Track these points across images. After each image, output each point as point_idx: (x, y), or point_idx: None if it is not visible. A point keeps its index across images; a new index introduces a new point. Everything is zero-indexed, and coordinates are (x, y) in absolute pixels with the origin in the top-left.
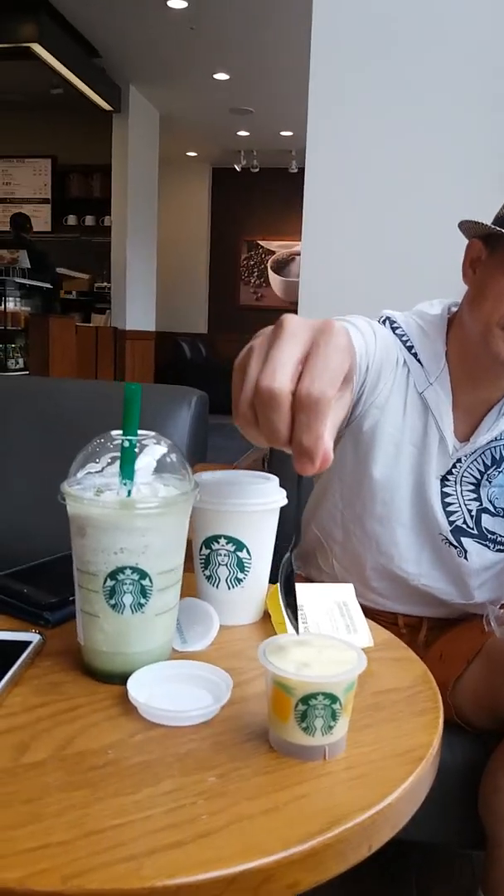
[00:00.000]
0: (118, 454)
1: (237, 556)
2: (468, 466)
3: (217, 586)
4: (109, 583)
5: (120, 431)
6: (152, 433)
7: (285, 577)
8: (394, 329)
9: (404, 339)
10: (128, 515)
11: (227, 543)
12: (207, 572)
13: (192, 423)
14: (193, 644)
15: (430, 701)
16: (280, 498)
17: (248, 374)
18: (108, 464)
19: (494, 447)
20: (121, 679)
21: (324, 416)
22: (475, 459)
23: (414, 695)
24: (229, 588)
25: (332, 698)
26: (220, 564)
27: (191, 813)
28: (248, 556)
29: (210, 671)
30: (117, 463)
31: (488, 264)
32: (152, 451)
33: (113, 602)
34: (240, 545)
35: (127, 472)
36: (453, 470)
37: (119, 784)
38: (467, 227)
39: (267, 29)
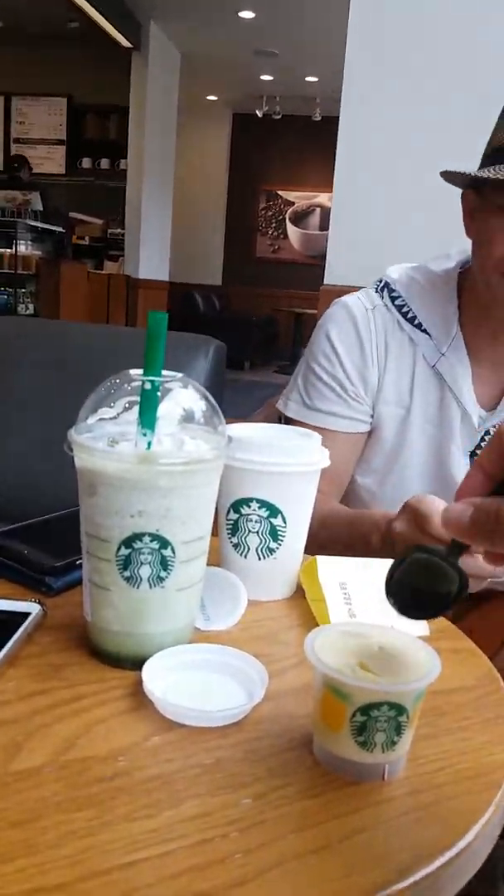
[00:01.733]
0: (137, 398)
1: (270, 522)
2: None
3: (245, 556)
4: (124, 551)
5: (140, 371)
6: (179, 374)
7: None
8: (393, 299)
9: (405, 310)
10: (148, 472)
11: (260, 508)
12: (235, 539)
13: (210, 374)
14: (218, 622)
15: (502, 706)
16: (323, 458)
17: None
18: (125, 409)
19: None
20: (133, 664)
21: None
22: None
23: (481, 697)
24: (259, 559)
25: (399, 709)
26: (250, 531)
27: (221, 849)
28: (283, 524)
29: (240, 659)
30: (135, 409)
31: (480, 210)
32: (178, 397)
33: (127, 574)
34: (274, 511)
35: (147, 420)
36: (482, 444)
37: (132, 804)
38: (451, 179)
39: None
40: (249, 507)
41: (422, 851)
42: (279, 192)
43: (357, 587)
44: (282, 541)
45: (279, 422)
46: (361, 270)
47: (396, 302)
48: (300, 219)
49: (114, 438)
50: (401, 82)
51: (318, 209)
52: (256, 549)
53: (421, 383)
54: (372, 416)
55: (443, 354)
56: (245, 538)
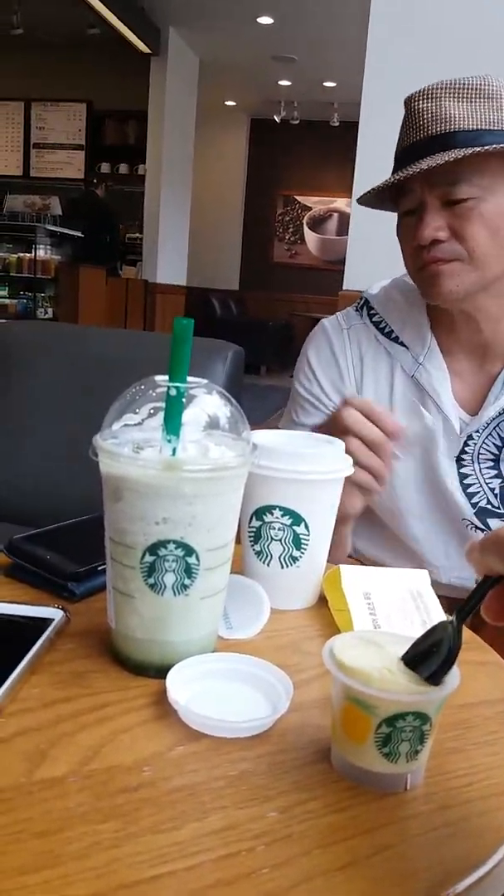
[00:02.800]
0: (161, 404)
1: (293, 531)
2: (483, 442)
3: (268, 564)
4: (148, 558)
5: (165, 377)
6: (204, 381)
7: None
8: (371, 317)
9: (381, 325)
10: (173, 479)
11: (283, 516)
12: (258, 547)
13: (228, 379)
14: (240, 630)
15: None
16: (346, 466)
17: None
18: (150, 415)
19: None
20: (157, 672)
21: None
22: (490, 433)
23: None
24: (282, 567)
25: (424, 718)
26: (272, 539)
27: (248, 864)
28: (307, 532)
29: (264, 669)
30: (160, 415)
31: (398, 222)
32: (202, 403)
33: (152, 581)
34: (297, 518)
35: (172, 426)
36: (467, 448)
37: (157, 816)
38: (366, 201)
39: None
40: (272, 514)
41: (451, 868)
42: (297, 197)
43: (381, 597)
44: (305, 549)
45: None
46: (380, 276)
47: (374, 318)
48: (318, 224)
49: (139, 444)
50: (422, 85)
51: (335, 214)
52: (279, 558)
53: (401, 394)
54: None
55: (420, 364)
56: (268, 546)
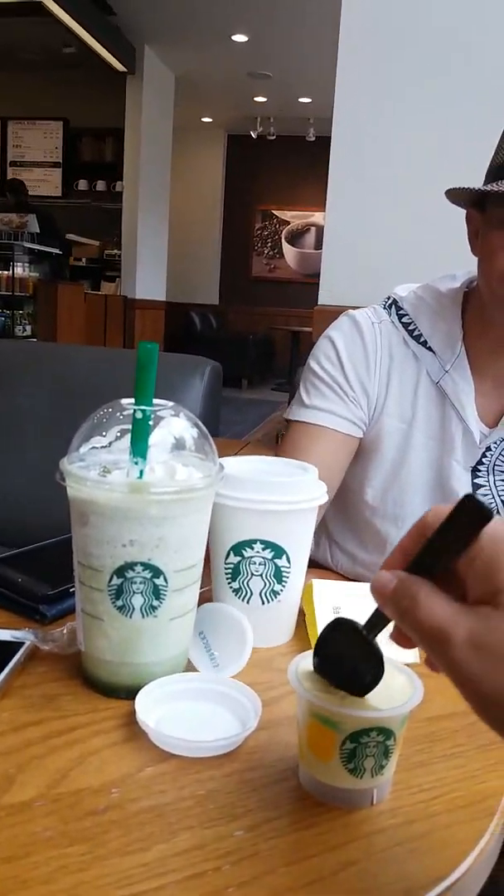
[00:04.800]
0: (128, 427)
1: (275, 564)
2: (501, 453)
3: (248, 601)
4: (116, 580)
5: (132, 400)
6: (170, 403)
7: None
8: (400, 317)
9: (411, 327)
10: (140, 501)
11: (265, 549)
12: (235, 584)
13: (205, 395)
14: (228, 667)
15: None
16: (322, 494)
17: None
18: (117, 438)
19: None
20: (128, 693)
21: None
22: None
23: (475, 723)
24: (264, 603)
25: (388, 734)
26: (253, 575)
27: (215, 884)
28: (288, 564)
29: (233, 687)
30: (127, 437)
31: (484, 227)
32: (170, 425)
33: (120, 603)
34: (279, 551)
35: (139, 448)
36: (483, 459)
37: (124, 838)
38: (454, 199)
39: None
40: (252, 548)
41: (415, 884)
42: (274, 212)
43: (351, 610)
44: (286, 582)
45: (276, 440)
46: (355, 290)
47: (403, 319)
48: (296, 238)
49: (106, 467)
50: (392, 102)
51: (313, 228)
52: (260, 593)
53: (424, 399)
54: (367, 426)
55: (447, 371)
56: (247, 583)
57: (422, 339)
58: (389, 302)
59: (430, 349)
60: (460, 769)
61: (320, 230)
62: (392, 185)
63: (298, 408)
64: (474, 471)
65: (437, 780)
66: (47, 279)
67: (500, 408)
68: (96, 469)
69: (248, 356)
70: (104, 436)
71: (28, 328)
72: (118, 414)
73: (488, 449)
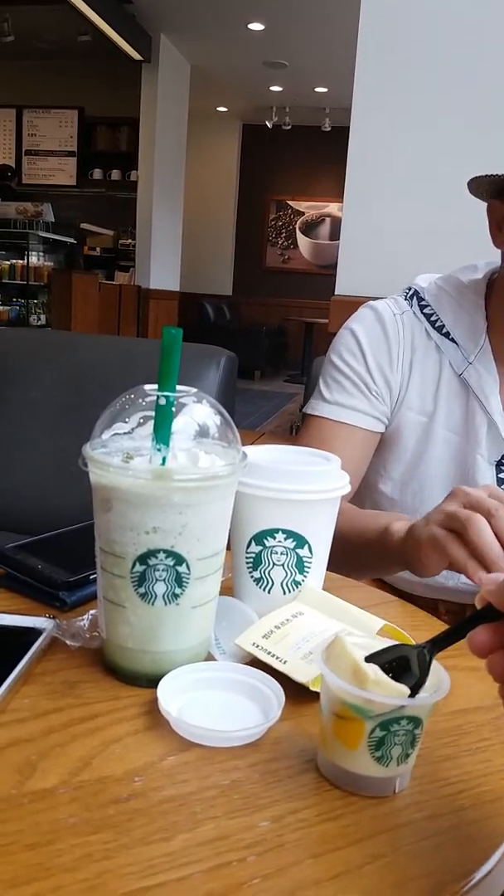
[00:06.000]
0: (151, 413)
1: (297, 554)
2: None
3: (269, 591)
4: (139, 568)
5: (154, 386)
6: (193, 390)
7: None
8: (422, 308)
9: (433, 318)
10: (163, 488)
11: (287, 539)
12: (257, 574)
13: (221, 384)
14: (233, 656)
15: None
16: (345, 484)
17: None
18: (140, 424)
19: None
20: (149, 681)
21: None
22: None
23: (500, 717)
24: (285, 593)
25: (416, 722)
26: (274, 564)
27: (239, 875)
28: (310, 555)
29: (256, 677)
30: (150, 424)
31: (502, 217)
32: (192, 412)
33: (142, 591)
34: (301, 541)
35: (162, 435)
36: None
37: (148, 826)
38: (478, 186)
39: None
40: (275, 538)
41: (442, 878)
42: (289, 203)
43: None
44: (307, 572)
45: (290, 431)
46: (373, 280)
47: (425, 310)
48: (310, 229)
49: (128, 453)
50: (411, 92)
51: (328, 219)
52: (282, 583)
53: (446, 392)
54: (389, 419)
55: (470, 363)
56: (268, 572)
57: (444, 331)
58: (411, 293)
59: (452, 340)
60: (487, 763)
61: (335, 221)
62: (410, 176)
63: (319, 402)
64: (499, 465)
65: (463, 773)
66: (62, 268)
67: None
68: (119, 455)
69: (262, 347)
70: (126, 422)
71: (42, 317)
72: (140, 400)
73: None
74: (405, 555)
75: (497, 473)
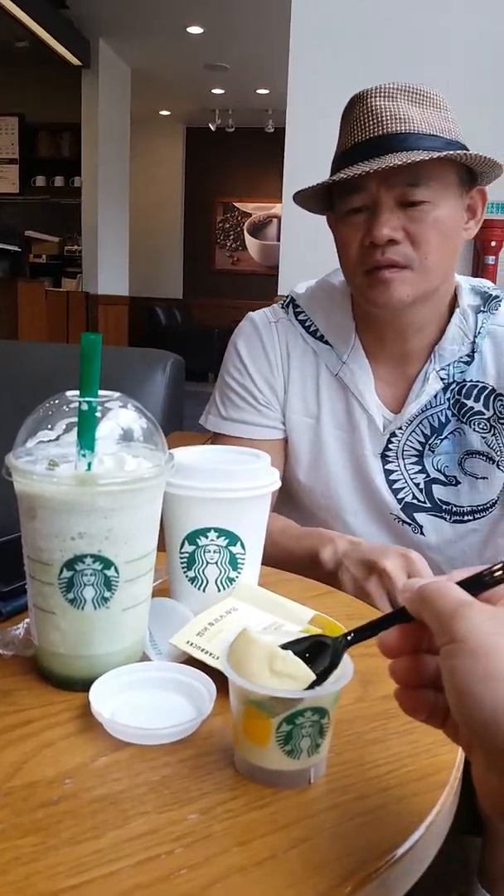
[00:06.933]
0: (76, 419)
1: (230, 551)
2: (407, 439)
3: (204, 589)
4: (66, 573)
5: (77, 392)
6: (116, 394)
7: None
8: (297, 314)
9: (307, 324)
10: (87, 493)
11: (219, 537)
12: (191, 573)
13: (168, 388)
14: (169, 655)
15: None
16: (275, 480)
17: None
18: (65, 431)
19: (431, 415)
20: (83, 685)
21: None
22: (413, 431)
23: None
24: (220, 590)
25: (322, 712)
26: (208, 563)
27: (167, 866)
28: (243, 551)
29: (189, 675)
30: (75, 430)
31: (336, 223)
32: (117, 416)
33: (71, 596)
34: (233, 538)
35: (86, 440)
36: (391, 445)
37: (77, 827)
38: (306, 205)
39: None
40: (207, 537)
41: (366, 856)
42: (236, 205)
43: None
44: (241, 569)
45: None
46: (312, 276)
47: (300, 317)
48: (258, 230)
49: (53, 461)
50: (345, 92)
51: (275, 220)
52: (216, 581)
53: (326, 392)
54: (284, 424)
55: (344, 363)
56: (203, 570)
57: (318, 334)
58: (287, 300)
59: (326, 343)
60: (414, 744)
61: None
62: None
63: (216, 419)
64: (383, 457)
65: (390, 755)
66: (7, 277)
67: (401, 392)
68: (43, 463)
69: (214, 349)
70: (51, 429)
71: None
72: (64, 407)
73: (393, 434)
74: (333, 580)
75: (383, 465)
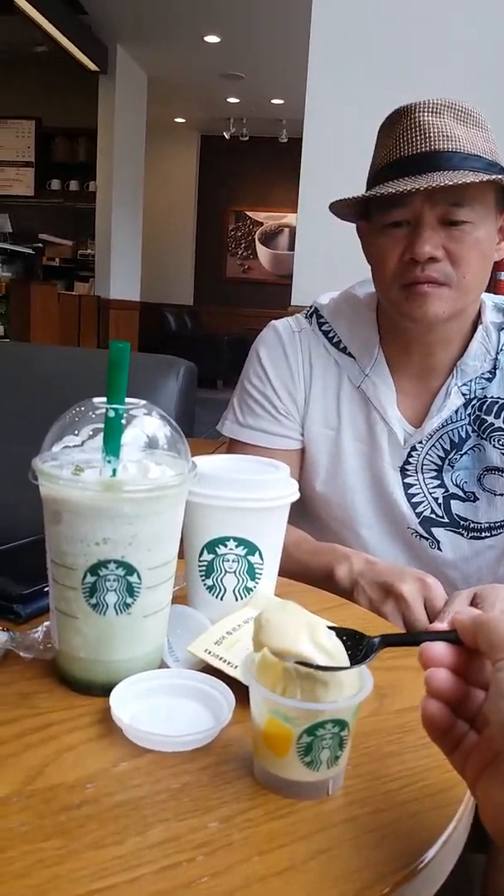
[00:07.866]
0: (101, 426)
1: (248, 560)
2: (427, 453)
3: (222, 598)
4: (89, 579)
5: (104, 399)
6: (142, 402)
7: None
8: (321, 325)
9: (331, 335)
10: (113, 499)
11: (238, 546)
12: (209, 581)
13: (180, 395)
14: (186, 662)
15: None
16: (294, 490)
17: None
18: (90, 437)
19: (451, 430)
20: (102, 690)
21: None
22: (433, 445)
23: None
24: (237, 599)
25: (342, 724)
26: (226, 572)
27: (188, 874)
28: (261, 561)
29: (208, 683)
30: (100, 436)
31: (372, 235)
32: (142, 424)
33: (94, 601)
34: (252, 548)
35: (112, 447)
36: (410, 459)
37: (99, 831)
38: (340, 209)
39: None
40: (226, 546)
41: (383, 869)
42: (248, 213)
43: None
44: (259, 579)
45: None
46: (327, 290)
47: (323, 327)
48: (269, 239)
49: (79, 466)
50: (362, 103)
51: (286, 229)
52: (234, 590)
53: (347, 404)
54: (301, 434)
55: (367, 375)
56: (221, 579)
57: (341, 346)
58: (311, 310)
59: (350, 354)
60: (430, 758)
61: (293, 231)
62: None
63: (233, 425)
64: (402, 470)
65: (406, 769)
66: (20, 279)
67: (422, 406)
68: (69, 468)
69: (223, 356)
70: (77, 434)
71: (1, 328)
72: (90, 413)
73: (413, 448)
74: (347, 596)
75: (402, 478)
